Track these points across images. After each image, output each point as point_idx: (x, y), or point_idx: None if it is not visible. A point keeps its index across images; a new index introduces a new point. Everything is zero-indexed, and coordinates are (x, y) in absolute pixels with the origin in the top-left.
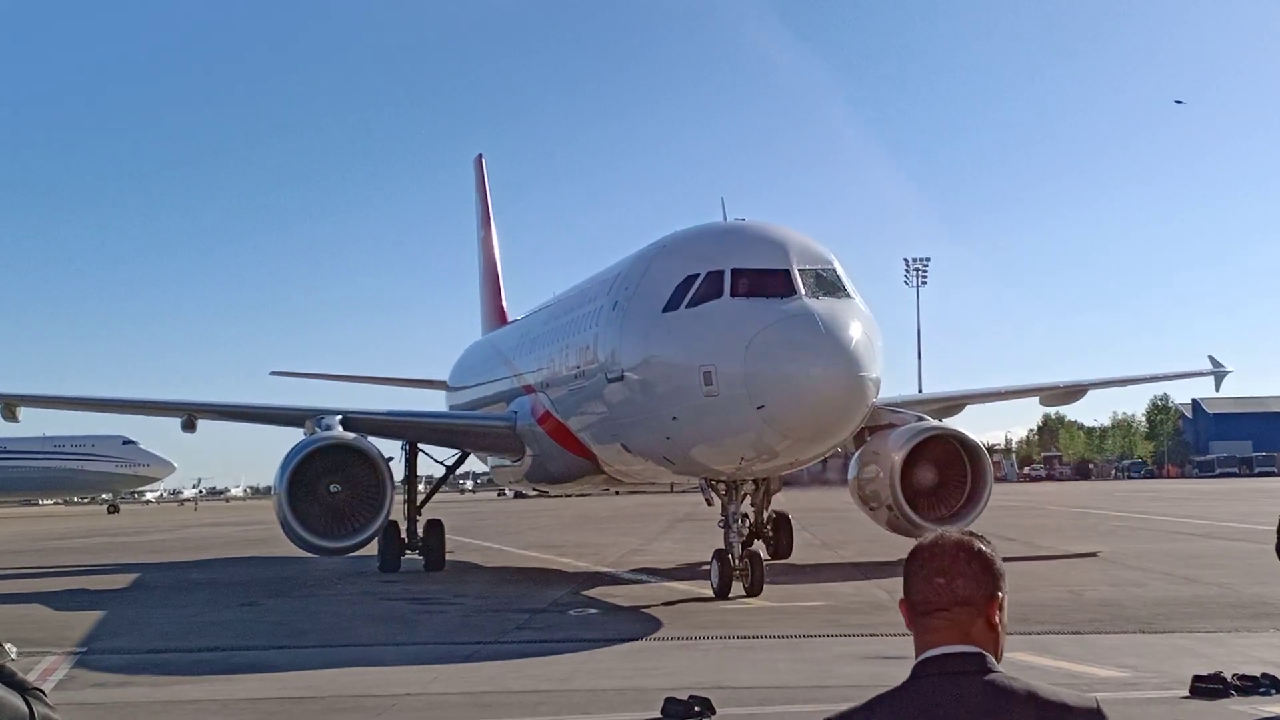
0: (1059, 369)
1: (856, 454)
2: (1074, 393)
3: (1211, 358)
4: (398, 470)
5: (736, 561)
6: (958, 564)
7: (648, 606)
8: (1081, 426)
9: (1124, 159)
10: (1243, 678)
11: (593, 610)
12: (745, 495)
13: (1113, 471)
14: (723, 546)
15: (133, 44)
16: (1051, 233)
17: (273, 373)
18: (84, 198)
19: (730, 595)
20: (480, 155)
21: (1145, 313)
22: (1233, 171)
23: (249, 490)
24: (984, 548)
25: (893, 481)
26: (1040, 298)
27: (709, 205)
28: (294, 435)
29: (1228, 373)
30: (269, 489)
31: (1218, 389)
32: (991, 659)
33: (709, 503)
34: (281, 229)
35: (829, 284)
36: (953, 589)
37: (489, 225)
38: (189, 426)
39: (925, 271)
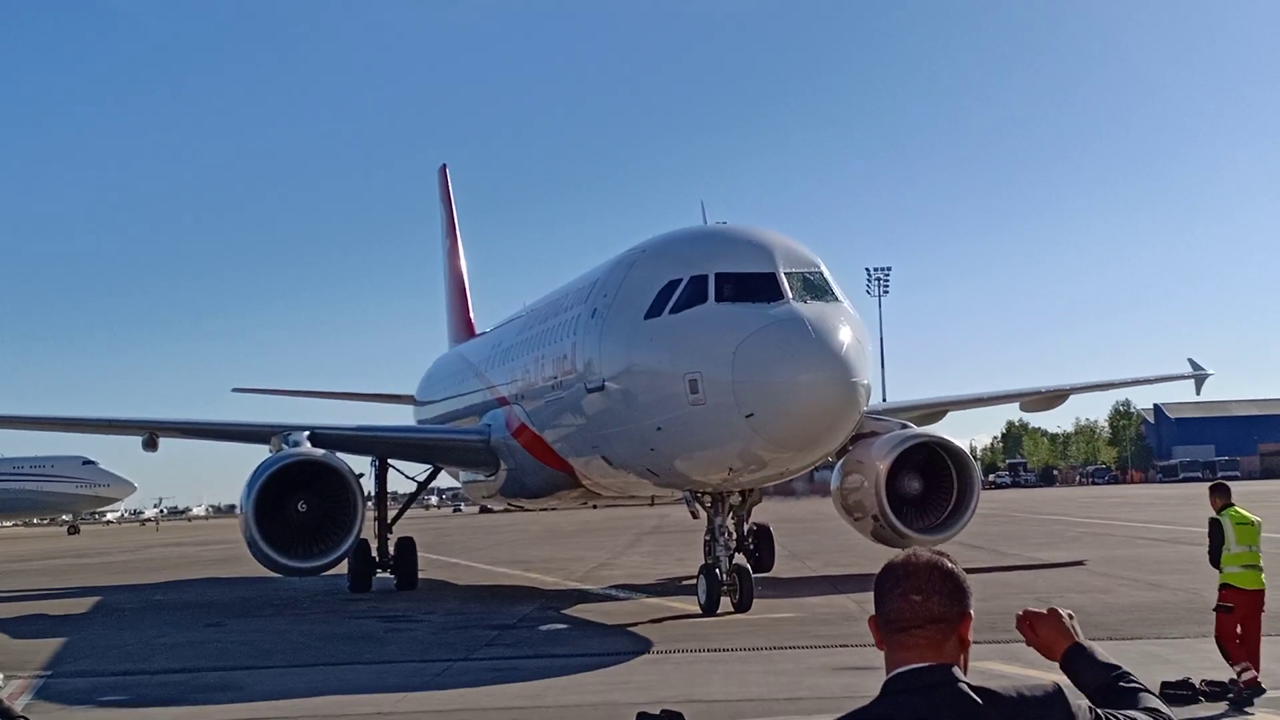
0: (1017, 379)
1: (839, 463)
2: (1056, 397)
3: (1191, 360)
4: (367, 487)
5: (724, 576)
6: (933, 582)
7: (618, 622)
8: (1045, 433)
9: (1090, 165)
10: (1210, 683)
11: (562, 626)
12: (732, 508)
13: (1077, 477)
14: (708, 561)
15: (89, 60)
16: (1017, 241)
17: (234, 389)
18: (40, 213)
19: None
20: (444, 165)
21: (1108, 319)
22: (1205, 178)
23: (211, 509)
24: (954, 566)
25: (878, 491)
26: (1005, 307)
27: (673, 216)
28: (258, 453)
29: (1208, 375)
30: (232, 508)
31: (1198, 392)
32: (958, 670)
33: (694, 515)
34: (241, 243)
35: (816, 288)
36: (929, 607)
37: (454, 236)
38: (151, 445)
39: (887, 281)
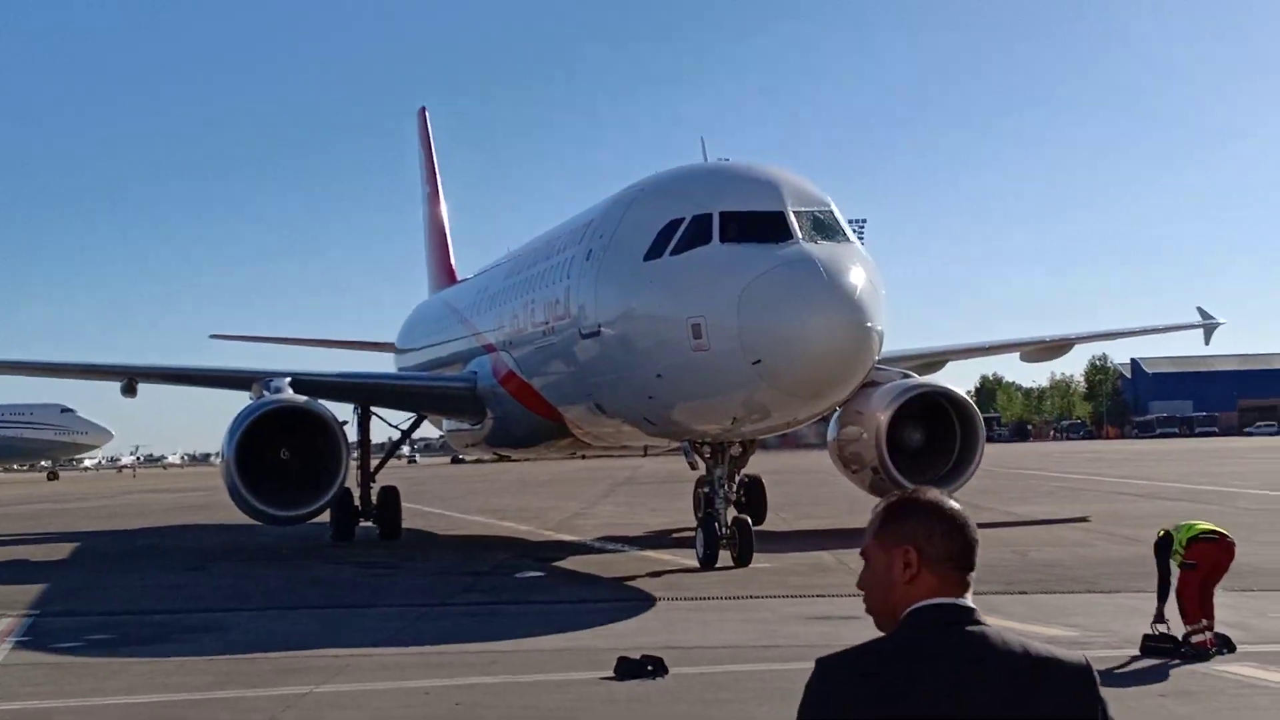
0: (993, 334)
1: (836, 413)
2: (1059, 347)
3: (1200, 309)
4: (349, 435)
5: (724, 530)
6: (970, 523)
7: (595, 570)
8: (1019, 387)
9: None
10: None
11: (538, 573)
12: (732, 459)
13: (1051, 432)
14: (707, 513)
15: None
16: (995, 191)
17: (213, 336)
18: (18, 157)
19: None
20: (423, 108)
21: (1095, 276)
22: (1206, 131)
23: (186, 458)
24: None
25: (878, 443)
26: (974, 257)
27: (668, 158)
28: (236, 402)
29: (1218, 325)
30: (207, 457)
31: (1207, 342)
32: (980, 612)
33: (693, 466)
34: (217, 188)
35: (827, 227)
36: (977, 547)
37: (435, 181)
38: (129, 390)
39: (862, 233)
